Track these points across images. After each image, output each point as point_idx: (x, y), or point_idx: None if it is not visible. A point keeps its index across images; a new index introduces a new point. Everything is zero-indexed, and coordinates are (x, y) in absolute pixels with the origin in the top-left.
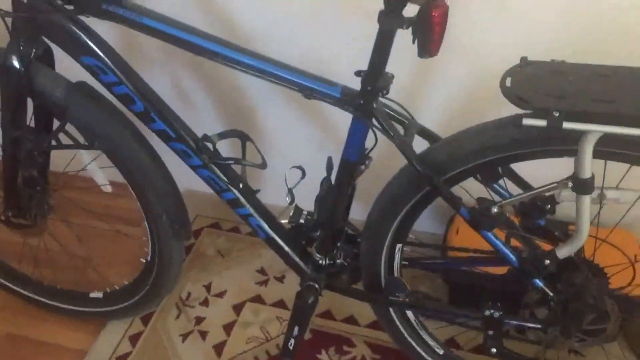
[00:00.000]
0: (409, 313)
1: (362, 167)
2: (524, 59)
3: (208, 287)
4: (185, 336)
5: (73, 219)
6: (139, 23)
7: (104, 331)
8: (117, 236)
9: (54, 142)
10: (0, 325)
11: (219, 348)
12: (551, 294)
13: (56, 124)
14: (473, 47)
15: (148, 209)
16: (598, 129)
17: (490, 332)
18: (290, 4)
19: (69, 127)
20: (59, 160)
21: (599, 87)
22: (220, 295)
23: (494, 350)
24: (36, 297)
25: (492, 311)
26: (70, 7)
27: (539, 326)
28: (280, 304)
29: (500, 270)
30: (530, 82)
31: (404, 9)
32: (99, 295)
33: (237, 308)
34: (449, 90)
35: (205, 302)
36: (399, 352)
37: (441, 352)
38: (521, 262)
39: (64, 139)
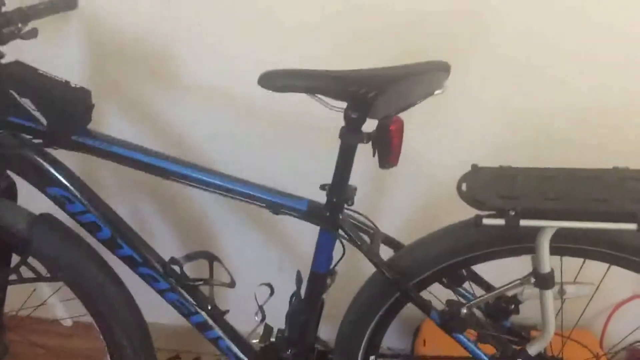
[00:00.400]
0: None
1: (328, 281)
2: (474, 166)
3: None
4: None
5: None
6: (108, 152)
7: None
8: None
9: (14, 277)
10: None
11: None
12: None
13: (15, 258)
14: (426, 156)
15: (112, 341)
16: (553, 225)
17: None
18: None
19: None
20: (12, 299)
21: (547, 187)
22: None
23: None
24: None
25: None
26: (39, 141)
27: None
28: None
29: None
30: (484, 185)
31: (363, 125)
32: None
33: None
34: (408, 198)
35: None
36: None
37: None
38: None
39: (24, 273)
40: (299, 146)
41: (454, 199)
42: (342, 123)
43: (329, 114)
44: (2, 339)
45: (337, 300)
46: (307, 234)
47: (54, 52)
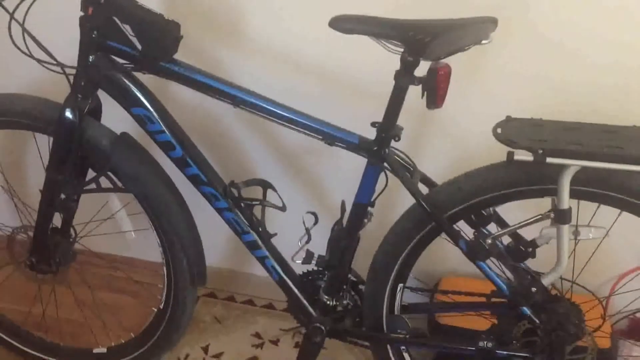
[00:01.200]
0: (406, 356)
1: (365, 221)
2: (508, 117)
3: (205, 349)
4: None
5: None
6: (191, 79)
7: None
8: (125, 290)
9: (92, 186)
10: None
11: None
12: (537, 322)
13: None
14: (463, 109)
15: (171, 253)
16: (574, 163)
17: None
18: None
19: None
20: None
21: (571, 135)
22: (218, 356)
23: None
24: (39, 354)
25: (485, 342)
26: (130, 65)
27: (528, 355)
28: None
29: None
30: (515, 131)
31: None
32: (103, 350)
33: None
34: (444, 144)
35: None
36: None
37: None
38: (512, 291)
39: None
40: (348, 100)
41: (485, 149)
42: (384, 78)
43: (370, 75)
44: (70, 246)
45: (370, 241)
46: (350, 172)
47: None
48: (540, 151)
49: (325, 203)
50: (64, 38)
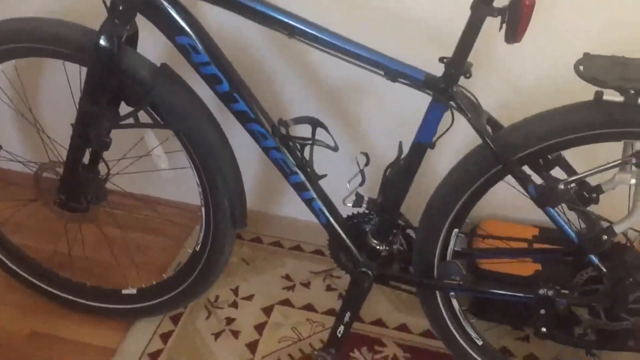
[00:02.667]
0: (454, 302)
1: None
2: (586, 54)
3: (235, 291)
4: (217, 335)
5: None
6: (250, 8)
7: (133, 329)
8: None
9: (130, 121)
10: (24, 323)
11: (252, 347)
12: (604, 270)
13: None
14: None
15: (212, 193)
16: None
17: (542, 312)
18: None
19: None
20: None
21: None
22: (249, 298)
23: (544, 329)
24: (64, 295)
25: (545, 290)
26: None
27: (591, 304)
28: (309, 307)
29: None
30: (599, 69)
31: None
32: (133, 291)
33: (267, 310)
34: (511, 79)
35: (234, 305)
36: (428, 351)
37: (480, 342)
38: (580, 238)
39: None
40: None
41: (542, 94)
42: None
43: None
44: (102, 184)
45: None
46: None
47: None
48: (632, 92)
49: (369, 145)
50: None
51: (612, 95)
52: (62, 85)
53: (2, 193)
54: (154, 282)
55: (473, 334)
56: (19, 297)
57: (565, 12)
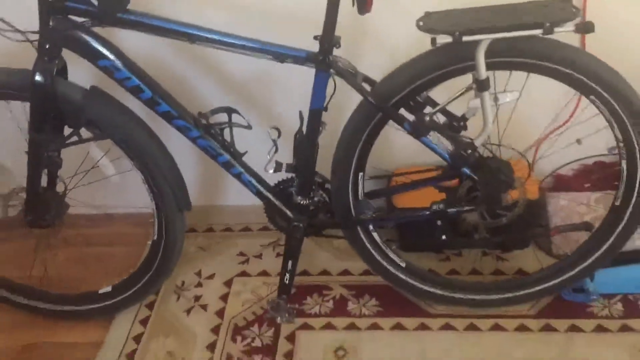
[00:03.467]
0: (375, 235)
1: (320, 128)
2: (427, 12)
3: (199, 274)
4: (188, 311)
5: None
6: (149, 25)
7: (114, 322)
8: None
9: (75, 139)
10: (16, 338)
11: (220, 314)
12: (476, 178)
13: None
14: (391, 9)
15: (155, 184)
16: (485, 37)
17: (439, 223)
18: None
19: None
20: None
21: (480, 17)
22: (211, 277)
23: (444, 237)
24: (46, 306)
25: (438, 205)
26: (90, 22)
27: (472, 207)
28: (263, 273)
29: None
30: (435, 22)
31: None
32: (108, 289)
33: (228, 283)
34: (378, 46)
35: (199, 285)
36: (368, 286)
37: (404, 265)
38: (451, 156)
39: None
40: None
41: (414, 45)
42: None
43: None
44: (62, 199)
45: (329, 149)
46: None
47: None
48: (457, 33)
49: (283, 119)
50: (21, 9)
51: (444, 39)
52: (8, 122)
53: None
54: (124, 277)
55: (396, 259)
56: (6, 318)
57: None
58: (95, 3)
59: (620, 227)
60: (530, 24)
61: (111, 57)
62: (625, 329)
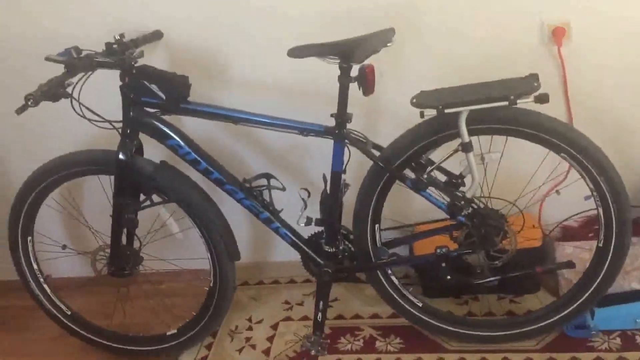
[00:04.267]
0: (393, 278)
1: (342, 187)
2: (422, 91)
3: (249, 319)
4: (240, 350)
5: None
6: (203, 111)
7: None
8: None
9: (147, 203)
10: None
11: (266, 352)
12: (471, 225)
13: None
14: (392, 91)
15: (210, 239)
16: (463, 109)
17: (443, 265)
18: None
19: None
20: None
21: (461, 93)
22: (259, 322)
23: (449, 277)
24: (125, 347)
25: (442, 249)
26: (159, 111)
27: (470, 250)
28: (305, 318)
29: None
30: (425, 98)
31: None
32: (174, 331)
33: (274, 326)
34: (386, 119)
35: (249, 329)
36: (394, 327)
37: (420, 304)
38: (447, 205)
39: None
40: (311, 105)
41: (415, 117)
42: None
43: (322, 85)
44: (138, 252)
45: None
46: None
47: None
48: (440, 106)
49: (312, 181)
50: (107, 104)
51: (431, 112)
52: (97, 193)
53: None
54: (187, 320)
55: (414, 299)
56: (94, 358)
57: (410, 64)
58: (164, 97)
59: (605, 267)
60: (498, 96)
61: (176, 137)
62: None
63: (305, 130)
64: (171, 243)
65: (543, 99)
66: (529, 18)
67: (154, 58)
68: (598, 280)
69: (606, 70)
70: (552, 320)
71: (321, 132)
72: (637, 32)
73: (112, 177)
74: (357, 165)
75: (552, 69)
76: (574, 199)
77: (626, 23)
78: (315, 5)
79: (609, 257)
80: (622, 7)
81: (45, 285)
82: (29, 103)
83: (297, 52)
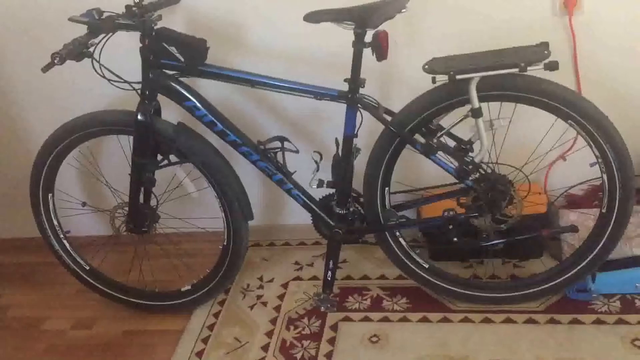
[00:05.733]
0: (402, 240)
1: (354, 151)
2: (433, 58)
3: (260, 279)
4: (252, 307)
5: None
6: (222, 74)
7: (193, 315)
8: (194, 248)
9: (165, 162)
10: (120, 326)
11: (277, 309)
12: (477, 188)
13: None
14: (405, 57)
15: (226, 199)
16: (475, 75)
17: (450, 227)
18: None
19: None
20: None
21: (472, 60)
22: (271, 281)
23: (455, 239)
24: (142, 301)
25: (448, 211)
26: (178, 73)
27: (477, 214)
28: (314, 278)
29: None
30: (437, 65)
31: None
32: (189, 287)
33: (284, 285)
34: (400, 84)
35: (260, 287)
36: (401, 288)
37: (427, 266)
38: (456, 169)
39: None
40: (326, 70)
41: (427, 83)
42: (342, 51)
43: (337, 51)
44: (155, 210)
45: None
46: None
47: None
48: (452, 72)
49: (325, 144)
50: (128, 64)
51: (443, 78)
52: (116, 152)
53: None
54: (201, 276)
55: (420, 261)
56: (112, 311)
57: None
58: (182, 60)
59: (608, 231)
60: (509, 64)
61: (193, 99)
62: (620, 322)
63: (320, 94)
64: (187, 202)
65: (553, 66)
66: None
67: (171, 22)
68: (600, 246)
69: (616, 40)
70: (554, 282)
71: (335, 96)
72: None
73: (131, 138)
74: (367, 132)
75: (563, 38)
76: (579, 167)
77: None
78: None
79: (612, 224)
80: None
81: (65, 241)
82: (55, 61)
83: (314, 17)
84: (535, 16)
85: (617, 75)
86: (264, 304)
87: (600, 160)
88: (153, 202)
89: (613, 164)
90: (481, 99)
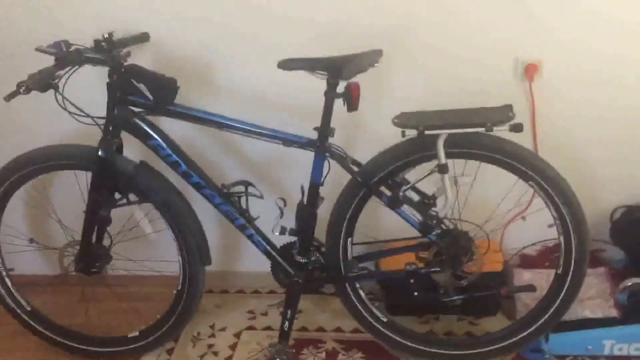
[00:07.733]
0: (361, 292)
1: (318, 200)
2: (402, 112)
3: (212, 327)
4: (202, 356)
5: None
6: (189, 115)
7: None
8: (145, 292)
9: (123, 202)
10: None
11: (228, 359)
12: (441, 244)
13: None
14: (374, 111)
15: (184, 242)
16: (442, 132)
17: (412, 281)
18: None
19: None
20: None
21: (441, 117)
22: (223, 329)
23: (416, 293)
24: (85, 347)
25: (411, 266)
26: (145, 111)
27: (439, 269)
28: (268, 328)
29: None
30: (406, 119)
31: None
32: (136, 333)
33: (237, 335)
34: (364, 136)
35: (212, 335)
36: (357, 341)
37: (385, 319)
38: (420, 224)
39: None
40: (295, 117)
41: (394, 136)
42: (312, 100)
43: (307, 99)
44: (108, 250)
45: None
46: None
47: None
48: (421, 128)
49: (289, 191)
50: (89, 99)
51: (411, 132)
52: (70, 188)
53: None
54: (151, 322)
55: (379, 314)
56: (52, 357)
57: (393, 87)
58: (151, 98)
59: (563, 292)
60: (476, 122)
61: (158, 138)
62: None
63: (289, 141)
64: (141, 244)
65: (518, 128)
66: (505, 55)
67: (140, 59)
68: (555, 306)
69: (573, 107)
70: (510, 341)
71: (304, 144)
72: (600, 69)
73: (89, 173)
74: (331, 181)
75: (523, 101)
76: (533, 227)
77: (593, 61)
78: (304, 23)
79: (567, 284)
80: (590, 46)
81: (7, 279)
82: (21, 90)
83: (288, 65)
84: (498, 79)
85: (574, 140)
86: (215, 353)
87: (557, 222)
88: (106, 242)
89: (570, 226)
90: (447, 155)
